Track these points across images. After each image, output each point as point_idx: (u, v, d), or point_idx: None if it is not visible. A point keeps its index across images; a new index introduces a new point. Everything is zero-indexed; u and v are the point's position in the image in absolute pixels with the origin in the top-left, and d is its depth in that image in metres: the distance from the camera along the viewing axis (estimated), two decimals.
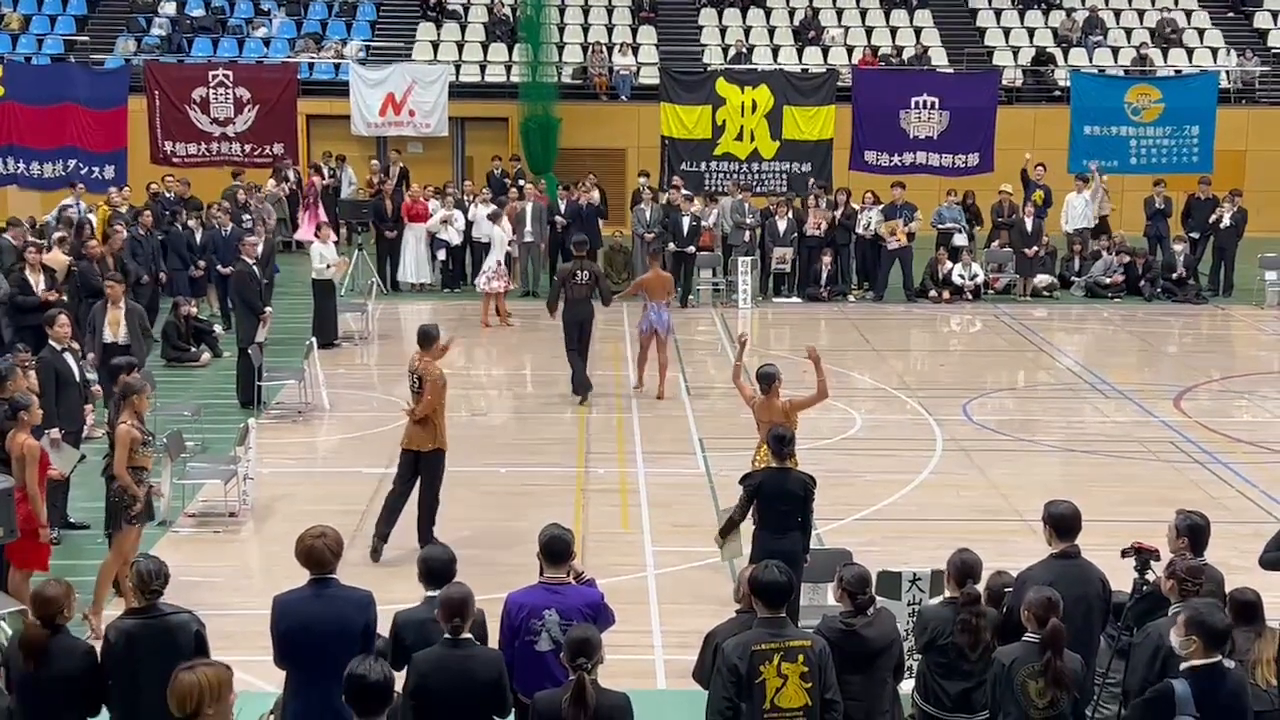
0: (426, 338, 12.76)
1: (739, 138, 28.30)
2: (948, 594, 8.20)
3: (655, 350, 18.42)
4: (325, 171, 29.84)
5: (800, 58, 34.66)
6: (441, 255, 26.17)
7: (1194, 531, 8.38)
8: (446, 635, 7.15)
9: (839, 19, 36.56)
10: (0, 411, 11.23)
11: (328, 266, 21.05)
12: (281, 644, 7.50)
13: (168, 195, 25.39)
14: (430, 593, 7.62)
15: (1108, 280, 26.31)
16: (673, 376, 18.99)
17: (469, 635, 7.25)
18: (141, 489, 11.15)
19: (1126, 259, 26.40)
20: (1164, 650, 7.33)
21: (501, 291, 23.29)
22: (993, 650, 7.90)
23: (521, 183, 27.63)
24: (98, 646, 7.58)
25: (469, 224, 25.76)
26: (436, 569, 7.69)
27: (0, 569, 10.79)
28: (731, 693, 6.90)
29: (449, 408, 13.06)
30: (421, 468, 12.71)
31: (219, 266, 22.37)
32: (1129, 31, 36.52)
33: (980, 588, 8.13)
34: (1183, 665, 7.00)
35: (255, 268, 18.30)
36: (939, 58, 34.55)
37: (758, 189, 27.44)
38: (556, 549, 7.87)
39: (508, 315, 23.24)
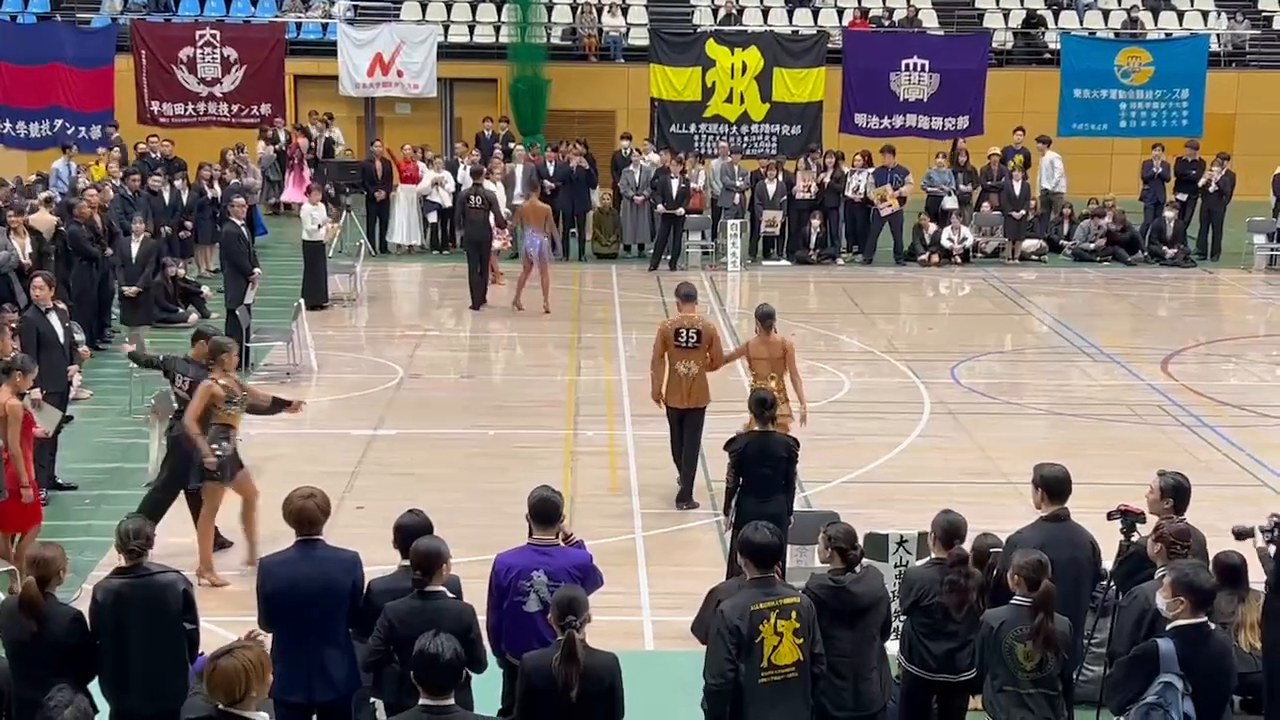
0: (689, 295, 13.21)
1: (729, 100, 28.20)
2: (933, 555, 8.24)
3: (539, 271, 20.97)
4: (313, 132, 29.71)
5: (790, 19, 34.51)
6: (432, 217, 26.09)
7: (1178, 491, 8.43)
8: (413, 587, 7.20)
9: None
10: None
11: (319, 227, 20.98)
12: (268, 605, 7.51)
13: (154, 156, 25.27)
14: (405, 561, 7.59)
15: (1091, 245, 26.32)
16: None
17: (440, 588, 7.27)
18: (227, 446, 11.16)
19: (1103, 221, 26.41)
20: (1150, 613, 7.37)
21: (497, 250, 23.24)
22: (978, 612, 7.96)
23: (510, 145, 27.54)
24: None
25: (459, 186, 25.67)
26: (409, 537, 7.62)
27: None
28: (733, 654, 6.95)
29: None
30: (689, 424, 13.11)
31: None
32: None
33: (966, 548, 8.17)
34: (1169, 625, 7.05)
35: (244, 229, 18.23)
36: (929, 20, 34.41)
37: (747, 151, 27.36)
38: (545, 511, 7.88)
39: (500, 274, 23.17)
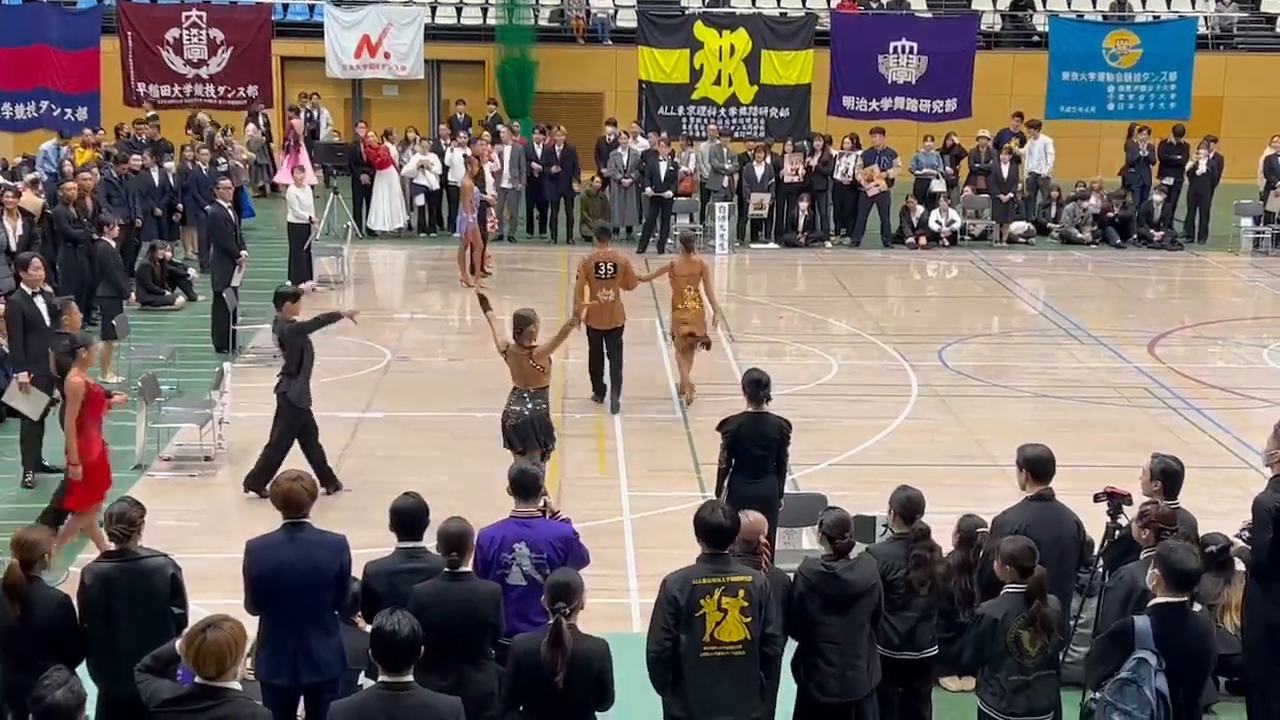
0: (605, 231, 16.14)
1: (717, 82, 28.15)
2: (895, 531, 8.26)
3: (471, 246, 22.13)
4: (304, 114, 29.59)
5: (778, 1, 34.47)
6: (420, 200, 26.01)
7: (1168, 475, 8.44)
8: (445, 569, 7.22)
9: None
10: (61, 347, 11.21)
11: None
12: (254, 588, 7.49)
13: (138, 138, 25.14)
14: (402, 544, 7.61)
15: (1078, 228, 26.33)
16: (649, 322, 19.03)
17: (468, 569, 7.30)
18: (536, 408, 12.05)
19: (1088, 204, 26.42)
20: (1136, 594, 7.40)
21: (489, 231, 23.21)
22: (940, 585, 8.01)
23: (499, 128, 27.45)
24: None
25: (445, 168, 25.60)
26: (406, 519, 7.66)
27: None
28: (670, 624, 6.98)
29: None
30: (610, 343, 15.32)
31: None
32: None
33: (943, 527, 8.21)
34: (1149, 603, 7.08)
35: (230, 210, 18.17)
36: (918, 2, 34.41)
37: (736, 134, 27.32)
38: (525, 483, 7.97)
39: (489, 257, 23.10)
